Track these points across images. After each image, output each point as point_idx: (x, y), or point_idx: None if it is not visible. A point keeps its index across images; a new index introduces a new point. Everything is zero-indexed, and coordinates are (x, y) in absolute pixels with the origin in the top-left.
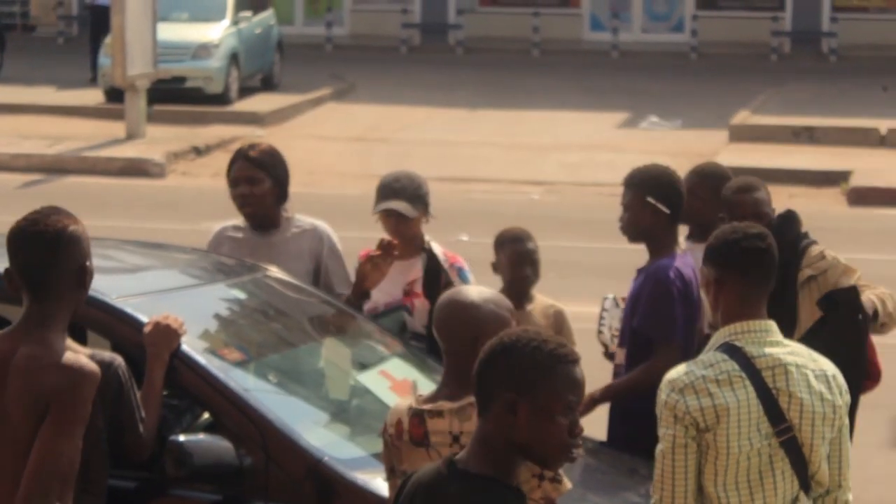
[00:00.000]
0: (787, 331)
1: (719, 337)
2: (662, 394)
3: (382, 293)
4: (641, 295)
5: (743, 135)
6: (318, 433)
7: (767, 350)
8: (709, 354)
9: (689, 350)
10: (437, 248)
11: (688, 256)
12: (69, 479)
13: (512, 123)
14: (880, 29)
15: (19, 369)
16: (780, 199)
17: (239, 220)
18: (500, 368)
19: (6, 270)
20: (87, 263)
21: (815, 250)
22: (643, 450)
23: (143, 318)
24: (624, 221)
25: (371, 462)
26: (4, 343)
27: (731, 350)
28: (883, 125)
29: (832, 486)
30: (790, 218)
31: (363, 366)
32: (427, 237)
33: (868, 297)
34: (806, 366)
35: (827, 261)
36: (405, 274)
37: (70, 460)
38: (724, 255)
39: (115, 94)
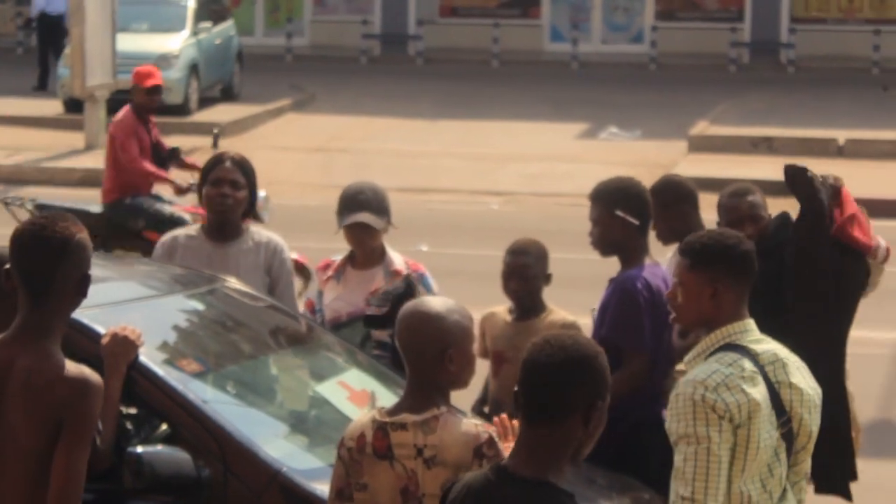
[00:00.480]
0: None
1: (715, 339)
2: (694, 393)
3: (345, 303)
4: (609, 305)
5: (702, 145)
6: (276, 444)
7: (763, 347)
8: (721, 355)
9: (658, 359)
10: (398, 257)
11: (658, 267)
12: (82, 489)
13: (472, 134)
14: (838, 40)
15: (21, 384)
16: None
17: (191, 230)
18: (585, 380)
19: (6, 270)
20: (89, 273)
21: None
22: (608, 459)
23: (101, 330)
24: (594, 236)
25: (330, 473)
26: (1, 352)
27: (737, 349)
28: (841, 136)
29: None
30: (786, 220)
31: (322, 376)
32: (387, 247)
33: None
34: (790, 358)
35: None
36: (367, 283)
37: (84, 472)
38: (725, 260)
39: (74, 105)
